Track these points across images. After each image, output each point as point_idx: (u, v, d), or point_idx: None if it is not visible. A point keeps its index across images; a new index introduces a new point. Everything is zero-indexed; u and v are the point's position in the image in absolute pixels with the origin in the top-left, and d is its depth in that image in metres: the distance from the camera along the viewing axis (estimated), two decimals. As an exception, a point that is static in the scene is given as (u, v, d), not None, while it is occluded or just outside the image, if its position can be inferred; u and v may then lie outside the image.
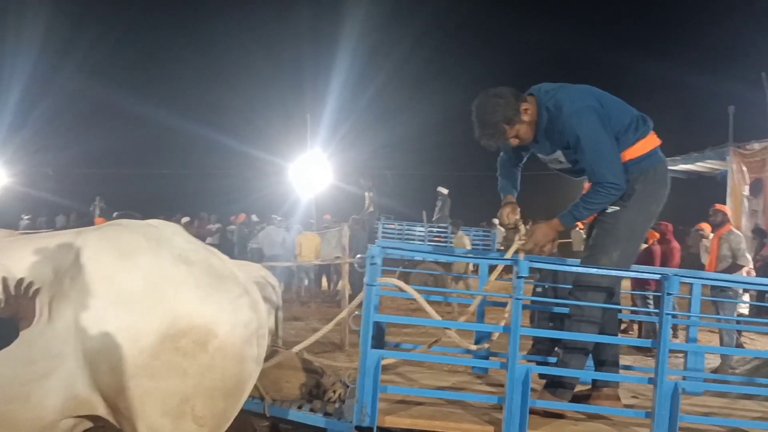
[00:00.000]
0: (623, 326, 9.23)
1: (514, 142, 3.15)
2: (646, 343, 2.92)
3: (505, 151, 3.42)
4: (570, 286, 3.30)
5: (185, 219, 15.25)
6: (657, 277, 2.82)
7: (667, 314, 2.65)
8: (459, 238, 12.61)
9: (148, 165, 24.25)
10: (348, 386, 3.22)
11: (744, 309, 7.46)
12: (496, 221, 18.39)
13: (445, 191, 17.20)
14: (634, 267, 4.50)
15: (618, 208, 3.05)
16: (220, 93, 26.42)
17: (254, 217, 18.28)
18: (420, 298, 2.84)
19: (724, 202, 12.53)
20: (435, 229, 15.46)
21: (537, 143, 3.20)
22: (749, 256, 7.71)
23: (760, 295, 8.32)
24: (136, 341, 2.29)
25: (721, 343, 6.75)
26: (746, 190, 12.38)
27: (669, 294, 2.64)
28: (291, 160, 18.49)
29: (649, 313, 6.77)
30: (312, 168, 17.71)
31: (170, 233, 2.57)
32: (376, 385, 2.65)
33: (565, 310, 3.24)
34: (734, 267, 7.18)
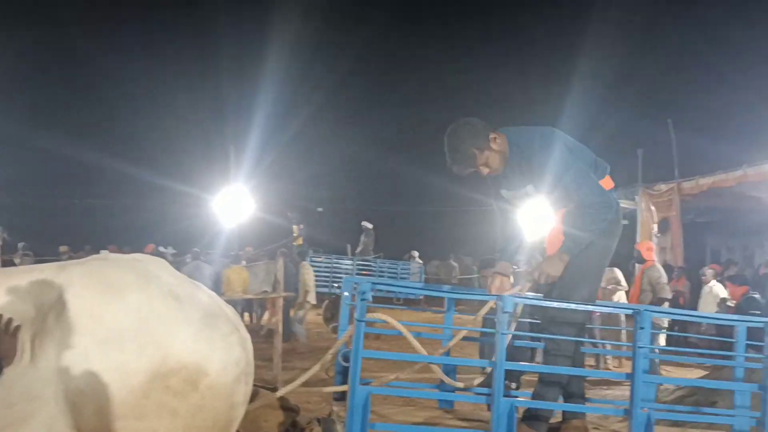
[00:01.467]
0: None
1: (485, 170, 3.23)
2: (621, 375, 3.04)
3: (496, 199, 3.47)
4: (527, 320, 3.40)
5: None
6: (630, 312, 2.96)
7: (641, 347, 2.78)
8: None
9: (58, 196, 23.01)
10: (322, 423, 3.16)
11: (662, 339, 7.92)
12: (415, 254, 18.74)
13: (369, 225, 17.40)
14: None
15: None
16: (135, 123, 25.55)
17: (169, 249, 17.67)
18: (408, 334, 2.85)
19: (634, 240, 13.32)
20: (362, 263, 15.50)
21: (506, 178, 3.31)
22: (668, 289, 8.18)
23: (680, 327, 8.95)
24: (124, 381, 2.18)
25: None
26: (655, 229, 13.18)
27: (642, 328, 2.78)
28: (212, 192, 18.09)
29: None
30: (235, 199, 17.39)
31: (157, 268, 2.50)
32: (365, 423, 2.63)
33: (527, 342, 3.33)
34: (657, 301, 7.59)
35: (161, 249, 16.60)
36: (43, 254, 17.80)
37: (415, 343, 2.88)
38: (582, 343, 3.29)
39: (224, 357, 2.36)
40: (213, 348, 2.34)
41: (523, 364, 3.01)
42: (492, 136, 3.17)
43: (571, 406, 3.13)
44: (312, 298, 11.39)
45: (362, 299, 2.66)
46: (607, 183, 3.33)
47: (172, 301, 2.34)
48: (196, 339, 2.31)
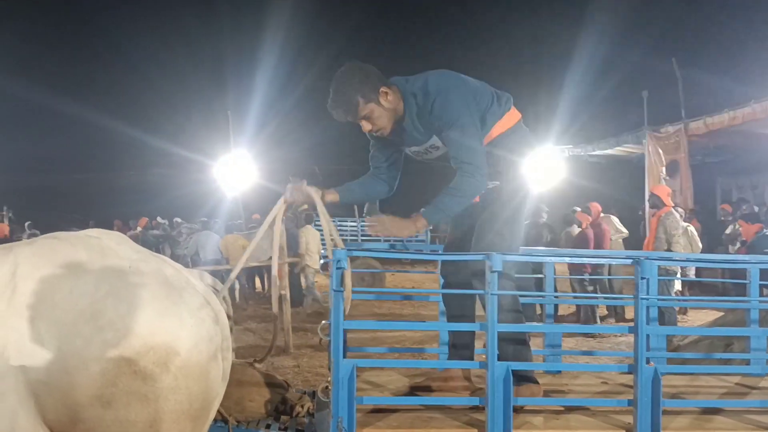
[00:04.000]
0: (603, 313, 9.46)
1: (366, 126, 2.94)
2: (624, 329, 2.87)
3: (372, 150, 3.24)
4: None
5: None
6: (629, 261, 2.77)
7: (643, 299, 2.60)
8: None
9: (58, 167, 22.84)
10: (315, 398, 3.03)
11: (678, 285, 7.75)
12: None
13: (374, 185, 17.15)
14: (569, 251, 4.55)
15: (498, 182, 2.99)
16: (133, 88, 25.15)
17: (176, 219, 17.61)
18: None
19: (643, 184, 13.07)
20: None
21: (408, 135, 3.03)
22: (684, 241, 7.89)
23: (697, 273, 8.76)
24: (87, 368, 2.03)
25: (664, 321, 6.92)
26: (663, 172, 12.90)
27: (643, 278, 2.59)
28: (213, 158, 17.86)
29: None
30: (236, 166, 17.15)
31: (114, 243, 2.32)
32: (351, 397, 2.48)
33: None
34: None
35: (160, 220, 16.55)
36: (49, 231, 17.84)
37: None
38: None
39: (195, 334, 2.20)
40: (182, 325, 2.18)
41: (523, 326, 2.83)
42: (383, 89, 2.88)
43: (574, 366, 2.97)
44: (313, 262, 11.23)
45: (338, 268, 2.47)
46: (513, 115, 3.07)
47: (132, 278, 2.18)
48: (162, 317, 2.15)
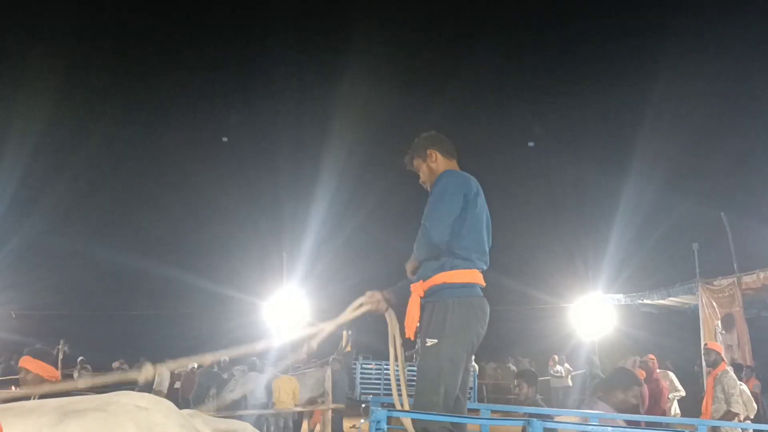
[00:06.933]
0: None
1: (418, 173, 3.52)
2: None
3: None
4: None
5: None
6: None
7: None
8: None
9: (116, 306, 23.59)
10: None
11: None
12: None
13: (422, 328, 17.10)
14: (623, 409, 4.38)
15: (436, 340, 2.97)
16: (192, 233, 26.36)
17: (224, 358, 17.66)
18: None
19: (698, 336, 12.66)
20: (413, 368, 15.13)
21: None
22: (741, 401, 7.51)
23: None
24: None
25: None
26: (719, 326, 12.53)
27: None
28: (265, 299, 18.22)
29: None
30: (288, 306, 17.48)
31: (162, 417, 2.36)
32: None
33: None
34: (728, 415, 7.04)
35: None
36: (100, 368, 18.20)
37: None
38: None
39: None
40: None
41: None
42: (429, 151, 3.43)
43: None
44: None
45: (377, 429, 2.41)
46: (477, 275, 3.21)
47: None
48: None
